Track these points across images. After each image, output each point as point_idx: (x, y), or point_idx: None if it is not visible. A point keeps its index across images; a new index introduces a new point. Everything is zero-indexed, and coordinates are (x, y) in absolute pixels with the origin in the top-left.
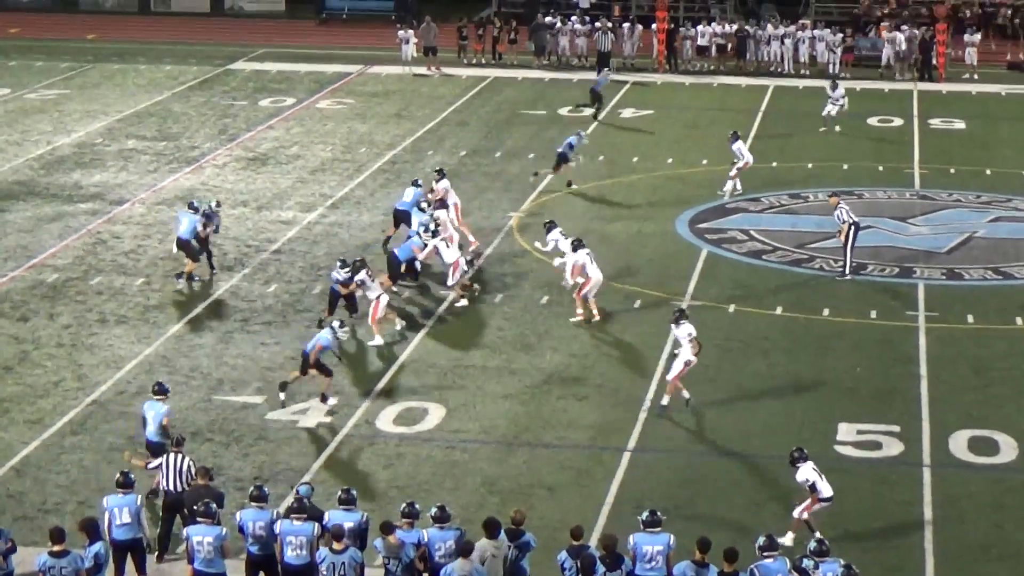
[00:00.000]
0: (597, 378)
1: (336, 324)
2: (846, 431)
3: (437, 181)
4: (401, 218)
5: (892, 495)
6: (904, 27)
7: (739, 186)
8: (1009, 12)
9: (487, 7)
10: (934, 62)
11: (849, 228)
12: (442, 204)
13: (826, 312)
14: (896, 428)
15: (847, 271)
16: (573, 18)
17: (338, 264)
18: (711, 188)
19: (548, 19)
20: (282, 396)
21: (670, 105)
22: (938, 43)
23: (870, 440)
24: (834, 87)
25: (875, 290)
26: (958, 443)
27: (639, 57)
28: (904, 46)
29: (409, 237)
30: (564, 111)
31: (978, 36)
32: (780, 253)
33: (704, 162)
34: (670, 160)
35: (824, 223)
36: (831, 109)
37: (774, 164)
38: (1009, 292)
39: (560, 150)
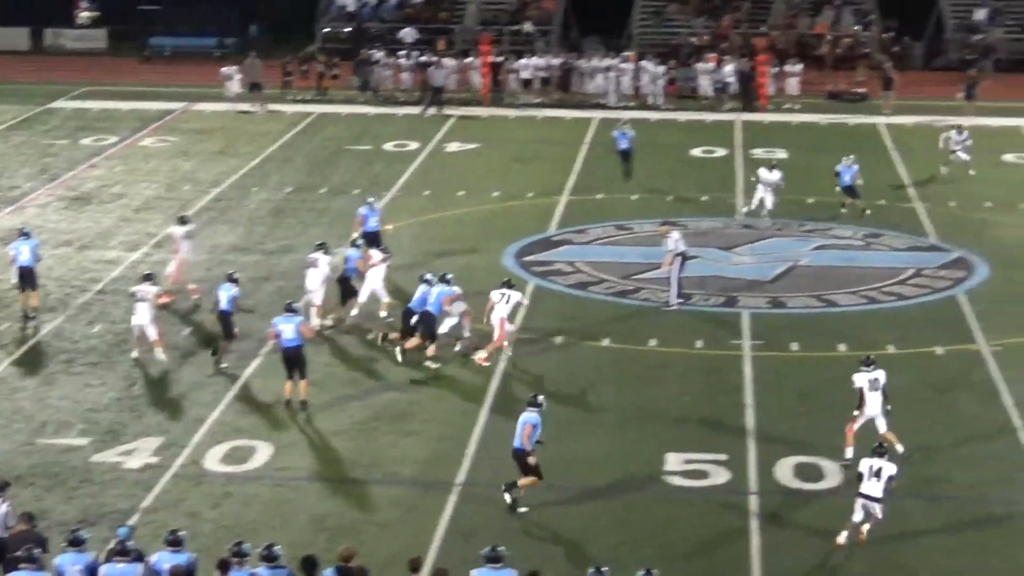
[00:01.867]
0: (425, 413)
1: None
2: (674, 461)
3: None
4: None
5: (720, 523)
6: (726, 59)
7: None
8: (829, 43)
9: (311, 43)
10: (756, 93)
11: (675, 258)
12: None
13: (653, 342)
14: (723, 456)
15: (673, 301)
16: (398, 52)
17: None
18: (537, 221)
19: (372, 54)
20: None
21: (495, 138)
22: (759, 74)
23: (698, 469)
24: (960, 131)
25: (701, 320)
26: (784, 470)
27: (464, 91)
28: (726, 78)
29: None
30: (389, 146)
31: (799, 67)
32: (606, 284)
33: (530, 195)
34: (496, 193)
35: (650, 254)
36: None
37: (599, 196)
38: (832, 319)
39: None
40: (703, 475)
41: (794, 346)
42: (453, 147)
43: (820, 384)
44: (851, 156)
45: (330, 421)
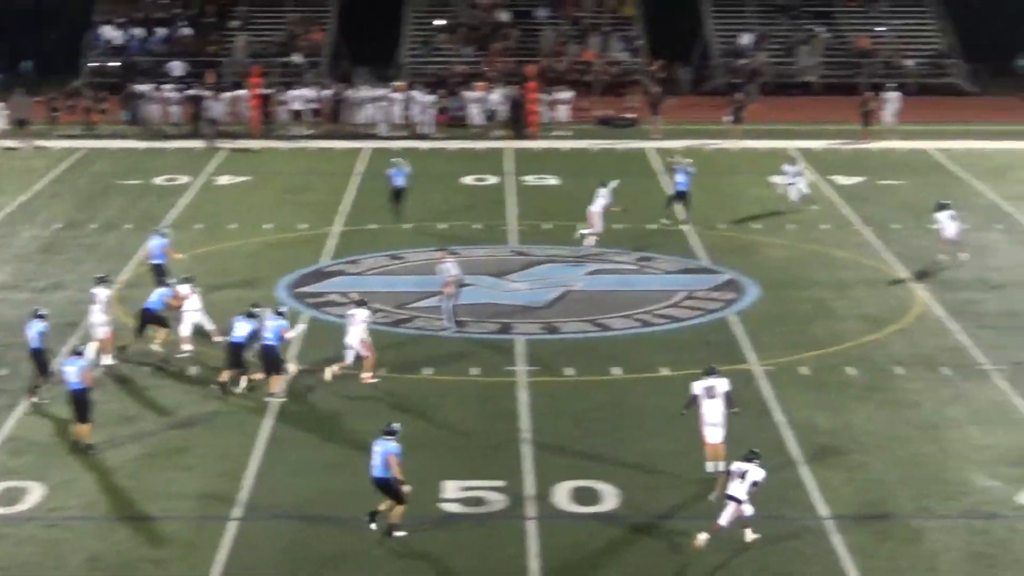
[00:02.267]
0: (202, 447)
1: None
2: (451, 488)
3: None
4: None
5: (499, 550)
6: (495, 87)
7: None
8: (598, 69)
9: (78, 77)
10: (526, 120)
11: (453, 285)
12: None
13: (428, 371)
14: (501, 483)
15: (450, 327)
16: (166, 85)
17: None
18: (310, 252)
19: (141, 87)
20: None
21: (267, 171)
22: (529, 101)
23: (475, 496)
24: (792, 163)
25: (476, 347)
26: (561, 494)
27: (235, 124)
28: (496, 105)
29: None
30: (160, 180)
31: (569, 94)
32: (381, 314)
33: (302, 226)
34: (268, 225)
35: (424, 283)
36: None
37: (372, 226)
38: (606, 343)
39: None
40: (480, 502)
41: (569, 371)
42: (224, 180)
43: (596, 408)
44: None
45: (106, 457)
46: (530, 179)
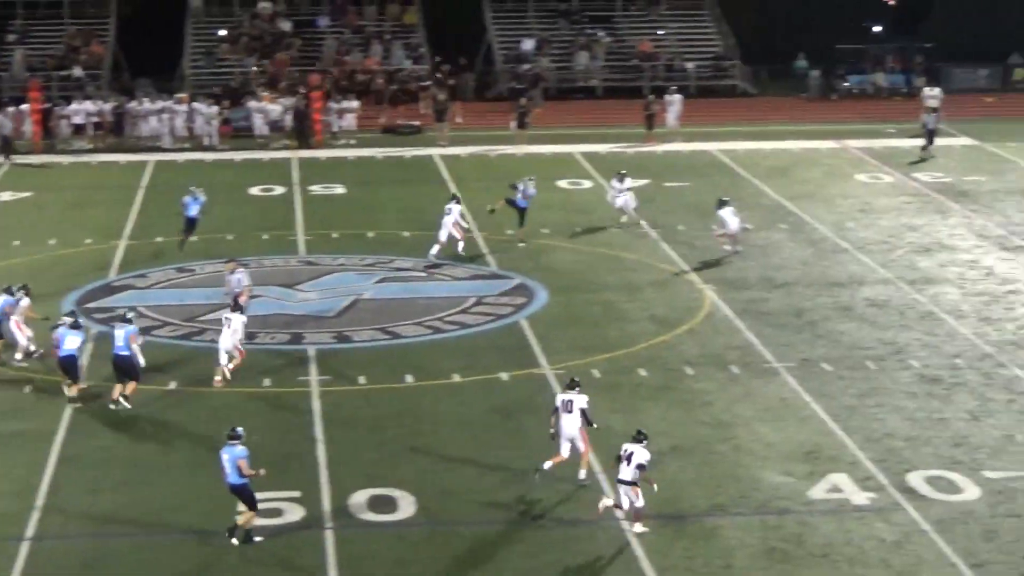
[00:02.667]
0: None
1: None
2: None
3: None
4: None
5: (297, 561)
6: (279, 97)
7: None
8: (382, 79)
9: None
10: (311, 130)
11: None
12: None
13: (219, 383)
14: (296, 493)
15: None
16: None
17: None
18: (97, 267)
19: None
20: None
21: (50, 186)
22: (314, 111)
23: (271, 508)
24: (620, 178)
25: (267, 358)
26: (358, 503)
27: (16, 139)
28: (280, 115)
29: None
30: None
31: (354, 102)
32: (170, 328)
33: (88, 241)
34: (53, 241)
35: (213, 295)
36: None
37: (159, 239)
38: (398, 351)
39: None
40: (278, 513)
41: (361, 379)
42: (6, 196)
43: (389, 416)
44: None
45: None
46: (317, 189)
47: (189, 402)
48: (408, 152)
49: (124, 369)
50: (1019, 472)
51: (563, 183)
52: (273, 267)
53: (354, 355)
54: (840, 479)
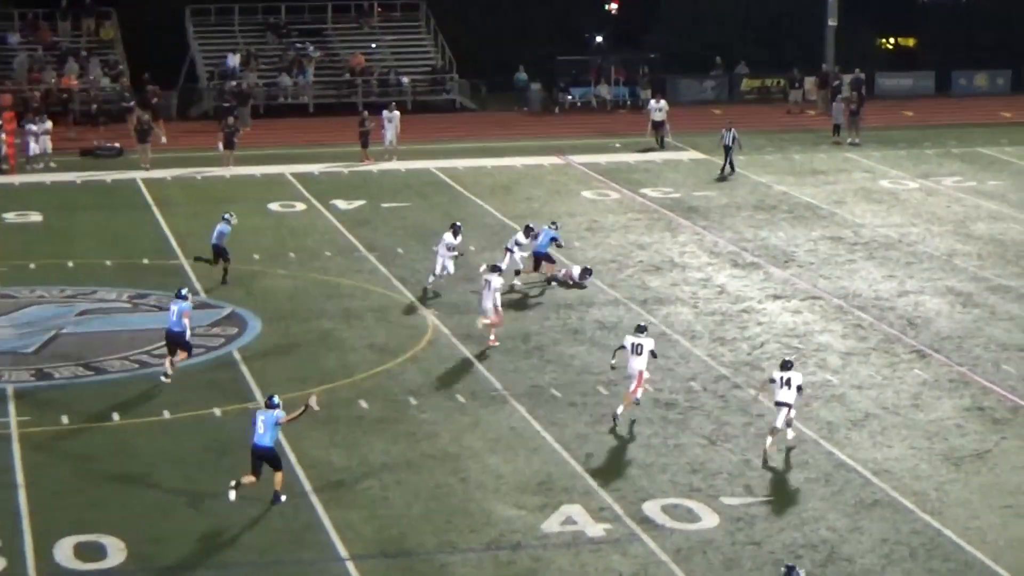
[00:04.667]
0: None
1: None
2: None
3: None
4: None
5: None
6: None
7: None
8: (80, 96)
9: None
10: (2, 154)
11: None
12: None
13: None
14: None
15: None
16: None
17: None
18: None
19: None
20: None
21: None
22: (5, 132)
23: None
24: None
25: None
26: (64, 551)
27: None
28: None
29: None
30: None
31: (49, 123)
32: None
33: None
34: None
35: None
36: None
37: None
38: (103, 387)
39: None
40: None
41: (64, 419)
42: None
43: (97, 457)
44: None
45: None
46: (11, 216)
47: None
48: (109, 176)
49: (176, 342)
50: (758, 498)
51: (275, 206)
52: None
53: (56, 393)
54: (574, 510)
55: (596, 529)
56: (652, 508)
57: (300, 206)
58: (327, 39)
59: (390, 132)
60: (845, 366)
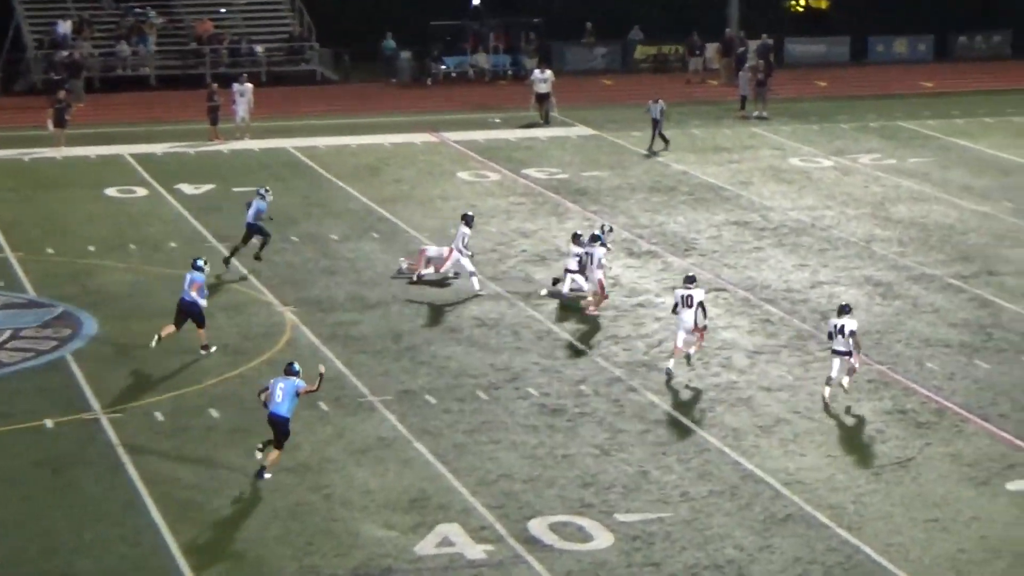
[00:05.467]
0: None
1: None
2: None
3: None
4: None
5: None
6: None
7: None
8: None
9: None
10: None
11: None
12: None
13: None
14: None
15: None
16: None
17: None
18: None
19: None
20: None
21: None
22: None
23: None
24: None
25: None
26: None
27: None
28: None
29: None
30: None
31: None
32: None
33: None
34: None
35: None
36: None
37: None
38: None
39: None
40: None
41: None
42: None
43: None
44: None
45: None
46: None
47: None
48: None
49: (192, 315)
50: (656, 513)
51: (112, 191)
52: None
53: None
54: (451, 530)
55: (476, 551)
56: (539, 527)
57: (141, 191)
58: (170, 3)
59: (242, 107)
60: (753, 366)
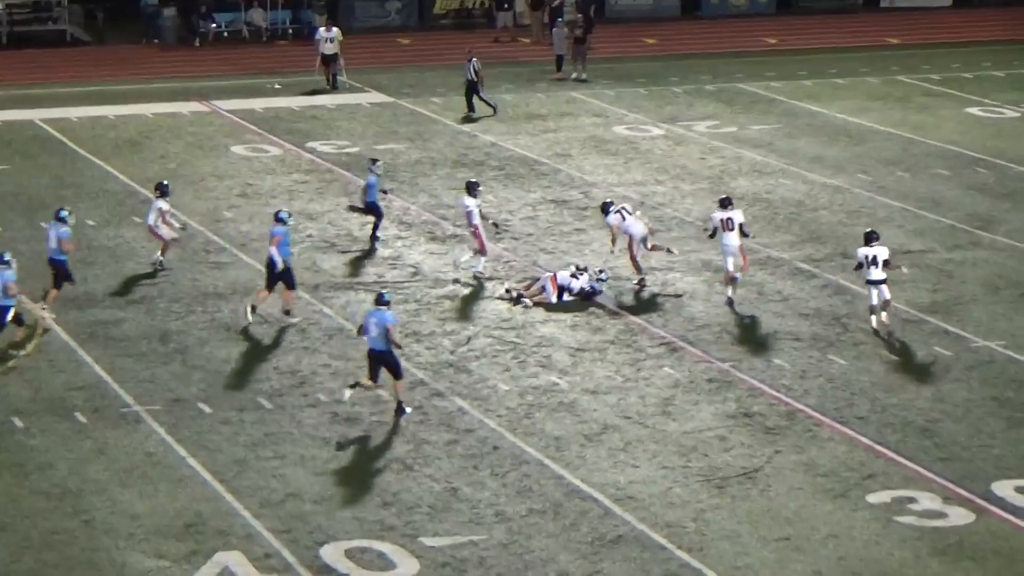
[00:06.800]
0: None
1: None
2: None
3: None
4: None
5: None
6: None
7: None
8: None
9: None
10: None
11: None
12: None
13: None
14: None
15: None
16: None
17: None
18: None
19: None
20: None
21: None
22: None
23: None
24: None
25: None
26: None
27: None
28: None
29: None
30: None
31: None
32: None
33: None
34: None
35: None
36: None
37: None
38: None
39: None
40: None
41: None
42: None
43: None
44: None
45: None
46: None
47: None
48: None
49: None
50: (467, 536)
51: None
52: None
53: None
54: (232, 558)
55: None
56: (332, 553)
57: None
58: None
59: None
60: (576, 365)
